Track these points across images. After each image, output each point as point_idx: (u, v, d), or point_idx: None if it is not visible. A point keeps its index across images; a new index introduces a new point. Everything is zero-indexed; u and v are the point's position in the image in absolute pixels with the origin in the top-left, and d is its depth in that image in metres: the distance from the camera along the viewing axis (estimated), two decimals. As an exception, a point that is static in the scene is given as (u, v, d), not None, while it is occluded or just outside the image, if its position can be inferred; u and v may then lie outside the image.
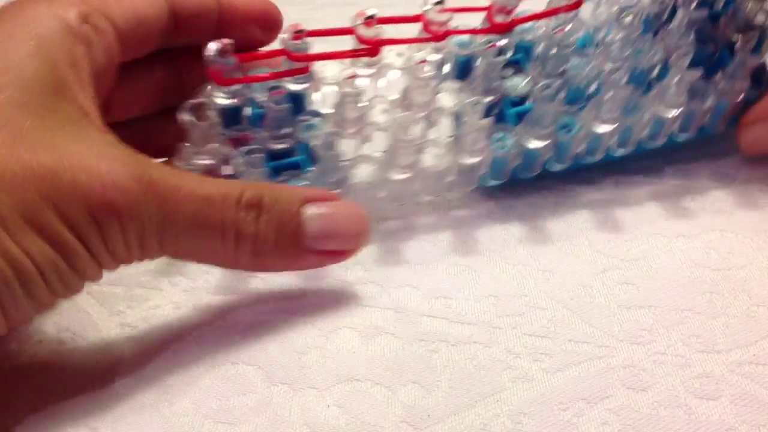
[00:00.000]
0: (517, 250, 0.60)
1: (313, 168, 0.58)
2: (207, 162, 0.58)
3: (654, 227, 0.62)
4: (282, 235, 0.52)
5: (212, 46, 0.57)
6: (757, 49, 0.61)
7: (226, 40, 0.58)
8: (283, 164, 0.59)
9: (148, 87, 0.61)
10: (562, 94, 0.61)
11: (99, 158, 0.46)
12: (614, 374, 0.51)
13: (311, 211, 0.53)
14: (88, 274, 0.47)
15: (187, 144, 0.58)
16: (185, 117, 0.57)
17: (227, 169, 0.59)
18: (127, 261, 0.49)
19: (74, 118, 0.48)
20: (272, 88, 0.57)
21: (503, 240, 0.61)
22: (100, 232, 0.46)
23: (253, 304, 0.56)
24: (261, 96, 0.57)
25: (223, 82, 0.59)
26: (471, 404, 0.50)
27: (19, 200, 0.43)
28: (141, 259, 0.49)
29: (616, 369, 0.51)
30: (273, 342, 0.53)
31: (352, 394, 0.50)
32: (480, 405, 0.50)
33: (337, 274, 0.58)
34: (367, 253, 0.60)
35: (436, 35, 0.61)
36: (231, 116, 0.61)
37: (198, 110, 0.57)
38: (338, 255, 0.55)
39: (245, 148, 0.55)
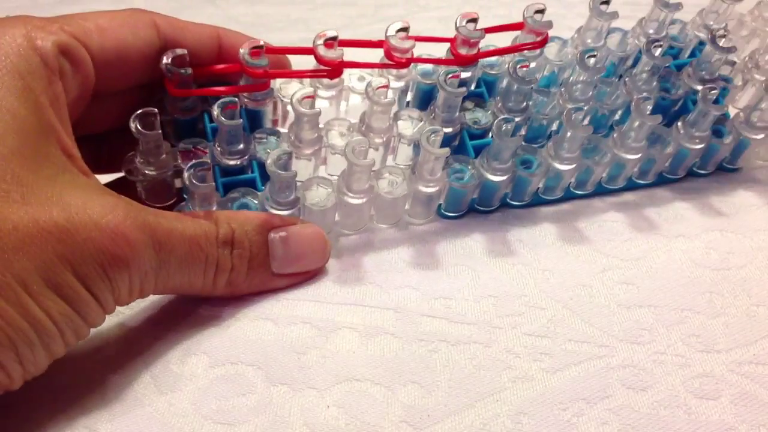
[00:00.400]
0: (517, 250, 0.60)
1: (266, 187, 0.57)
2: (155, 173, 0.58)
3: (654, 227, 0.62)
4: (252, 266, 0.55)
5: (167, 56, 0.58)
6: (719, 100, 0.62)
7: (180, 50, 0.58)
8: (236, 181, 0.59)
9: (121, 104, 0.60)
10: (523, 131, 0.61)
11: (103, 210, 0.46)
12: (614, 374, 0.51)
13: (275, 239, 0.55)
14: (96, 322, 0.48)
15: (135, 153, 0.58)
16: (133, 126, 0.56)
17: (178, 182, 0.60)
18: (127, 303, 0.50)
19: (63, 163, 0.48)
20: (226, 103, 0.57)
21: (503, 240, 0.61)
22: (110, 285, 0.46)
23: (252, 304, 0.56)
24: (215, 110, 0.57)
25: (177, 92, 0.59)
26: (471, 404, 0.50)
27: (39, 263, 0.43)
28: (136, 299, 0.50)
29: (616, 369, 0.51)
30: (273, 342, 0.53)
31: (352, 394, 0.50)
32: (480, 405, 0.50)
33: (337, 274, 0.59)
34: (366, 256, 0.60)
35: (399, 62, 0.61)
36: (185, 129, 0.62)
37: (147, 120, 0.56)
38: (303, 275, 0.58)
39: (194, 163, 0.55)
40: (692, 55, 0.69)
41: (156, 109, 0.56)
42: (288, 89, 0.63)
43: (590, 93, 0.63)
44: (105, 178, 0.62)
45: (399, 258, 0.60)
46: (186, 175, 0.54)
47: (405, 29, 0.60)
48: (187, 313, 0.55)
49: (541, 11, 0.62)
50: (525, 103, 0.63)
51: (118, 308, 0.50)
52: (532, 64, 0.64)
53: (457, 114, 0.62)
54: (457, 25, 0.60)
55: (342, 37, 0.59)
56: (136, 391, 0.50)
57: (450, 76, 0.59)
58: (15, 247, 0.42)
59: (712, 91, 0.61)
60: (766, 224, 0.62)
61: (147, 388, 0.51)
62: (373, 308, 0.55)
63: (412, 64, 0.62)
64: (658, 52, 0.62)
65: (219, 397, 0.50)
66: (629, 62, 0.67)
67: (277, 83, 0.63)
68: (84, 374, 0.52)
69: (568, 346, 0.53)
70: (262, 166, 0.59)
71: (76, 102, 0.53)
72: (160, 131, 0.56)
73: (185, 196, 0.57)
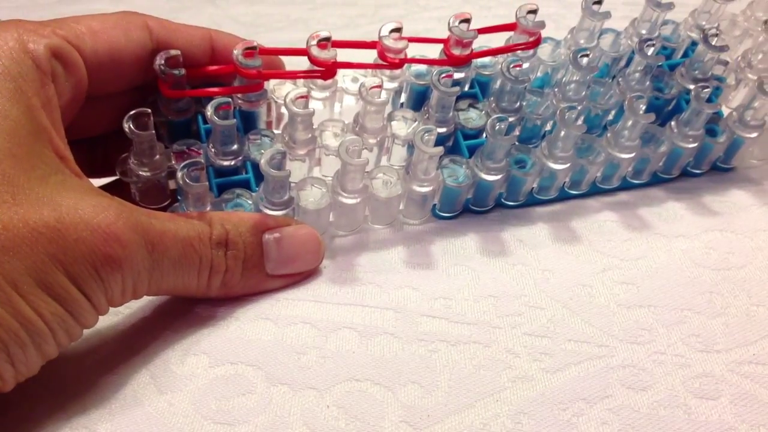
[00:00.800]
0: (516, 249, 0.60)
1: (261, 187, 0.57)
2: (149, 174, 0.58)
3: (653, 227, 0.63)
4: (247, 267, 0.55)
5: (161, 57, 0.57)
6: (712, 99, 0.62)
7: (173, 51, 0.57)
8: (230, 181, 0.59)
9: (114, 107, 0.60)
10: (516, 131, 0.61)
11: (94, 210, 0.46)
12: (614, 374, 0.51)
13: (269, 240, 0.55)
14: (89, 323, 0.47)
15: (128, 155, 0.58)
16: (126, 127, 0.56)
17: (172, 184, 0.60)
18: (120, 304, 0.49)
19: (56, 164, 0.48)
20: (220, 103, 0.56)
21: (502, 240, 0.61)
22: (103, 285, 0.46)
23: (252, 304, 0.56)
24: (208, 110, 0.57)
25: (171, 94, 0.59)
26: (471, 404, 0.50)
27: (30, 263, 0.43)
28: (130, 300, 0.50)
29: (616, 369, 0.51)
30: (273, 342, 0.53)
31: (352, 394, 0.50)
32: (480, 405, 0.50)
33: (337, 274, 0.58)
34: (365, 256, 0.60)
35: (392, 63, 0.61)
36: (178, 130, 0.61)
37: (140, 120, 0.56)
38: (297, 276, 0.58)
39: (188, 162, 0.54)
40: (685, 55, 0.70)
41: (149, 110, 0.55)
42: (281, 90, 0.63)
43: (583, 93, 0.63)
44: (100, 183, 0.62)
45: (398, 258, 0.60)
46: (179, 174, 0.54)
47: (398, 30, 0.60)
48: (187, 313, 0.55)
49: (534, 11, 0.62)
50: (518, 103, 0.63)
51: (116, 309, 0.50)
52: (526, 65, 0.64)
53: (451, 114, 0.62)
54: (450, 25, 0.60)
55: (342, 37, 0.59)
56: (135, 391, 0.50)
57: (443, 75, 0.59)
58: (5, 247, 0.42)
59: (705, 90, 0.61)
60: (765, 224, 0.62)
61: (146, 388, 0.50)
62: (372, 308, 0.55)
63: (405, 65, 0.62)
64: (650, 51, 0.62)
65: (219, 397, 0.50)
66: (622, 63, 0.67)
67: (270, 85, 0.63)
68: (83, 374, 0.51)
69: (568, 346, 0.53)
70: (256, 166, 0.58)
71: (69, 105, 0.53)
72: (153, 131, 0.56)
73: (179, 197, 0.57)
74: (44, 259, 0.43)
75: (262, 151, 0.59)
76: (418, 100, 0.65)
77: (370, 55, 0.62)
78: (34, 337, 0.44)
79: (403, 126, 0.62)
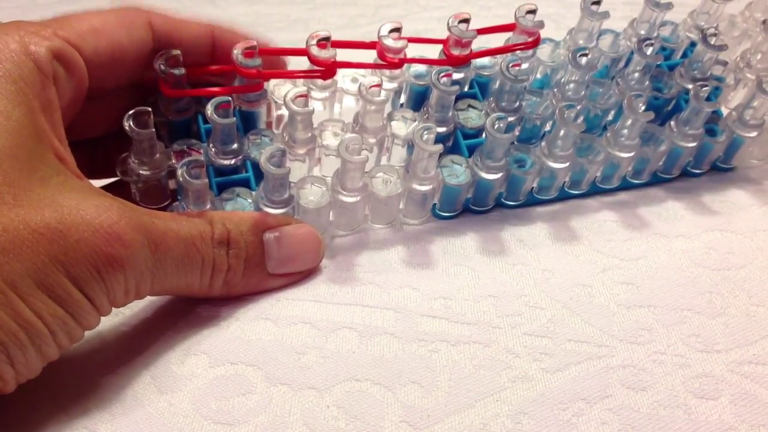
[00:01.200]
0: (516, 249, 0.60)
1: (260, 185, 0.57)
2: (149, 173, 0.58)
3: (653, 227, 0.62)
4: (249, 266, 0.55)
5: (161, 57, 0.57)
6: (711, 99, 0.62)
7: (174, 51, 0.57)
8: (230, 180, 0.59)
9: (115, 107, 0.59)
10: (516, 131, 0.61)
11: (97, 210, 0.46)
12: (614, 374, 0.51)
13: (270, 239, 0.55)
14: (91, 324, 0.47)
15: (128, 154, 0.58)
16: (127, 125, 0.55)
17: (172, 184, 0.60)
18: (123, 305, 0.49)
19: (56, 166, 0.48)
20: (220, 102, 0.56)
21: (502, 240, 0.61)
22: (105, 286, 0.46)
23: (252, 304, 0.56)
24: (208, 109, 0.56)
25: (171, 93, 0.59)
26: (471, 404, 0.50)
27: (30, 264, 0.43)
28: (132, 300, 0.50)
29: (616, 369, 0.51)
30: (273, 342, 0.53)
31: (352, 394, 0.50)
32: (480, 405, 0.50)
33: (336, 274, 0.58)
34: (365, 256, 0.60)
35: (391, 63, 0.61)
36: (179, 130, 0.61)
37: (140, 118, 0.56)
38: (298, 275, 0.58)
39: (188, 160, 0.54)
40: (684, 55, 0.69)
41: (149, 108, 0.55)
42: (281, 90, 0.63)
43: (583, 92, 0.63)
44: (100, 183, 0.62)
45: (397, 258, 0.60)
46: (180, 171, 0.54)
47: (398, 30, 0.60)
48: (187, 313, 0.55)
49: (533, 11, 0.62)
50: (518, 103, 0.63)
51: (117, 309, 0.49)
52: (525, 65, 0.64)
53: (451, 114, 0.61)
54: (450, 25, 0.60)
55: (342, 37, 0.59)
56: (136, 392, 0.50)
57: (442, 75, 0.59)
58: (5, 249, 0.42)
59: (704, 88, 0.61)
60: (765, 224, 0.62)
61: (147, 389, 0.50)
62: (372, 308, 0.55)
63: (405, 65, 0.62)
64: (649, 50, 0.62)
65: (219, 397, 0.50)
66: (622, 63, 0.67)
67: (270, 85, 0.63)
68: (84, 375, 0.51)
69: (568, 346, 0.53)
70: (256, 165, 0.58)
71: (69, 105, 0.53)
72: (153, 130, 0.56)
73: (179, 196, 0.57)
74: (45, 261, 0.43)
75: (262, 151, 0.59)
76: (418, 100, 0.65)
77: (370, 55, 0.62)
78: (34, 339, 0.43)
79: (402, 126, 0.62)
